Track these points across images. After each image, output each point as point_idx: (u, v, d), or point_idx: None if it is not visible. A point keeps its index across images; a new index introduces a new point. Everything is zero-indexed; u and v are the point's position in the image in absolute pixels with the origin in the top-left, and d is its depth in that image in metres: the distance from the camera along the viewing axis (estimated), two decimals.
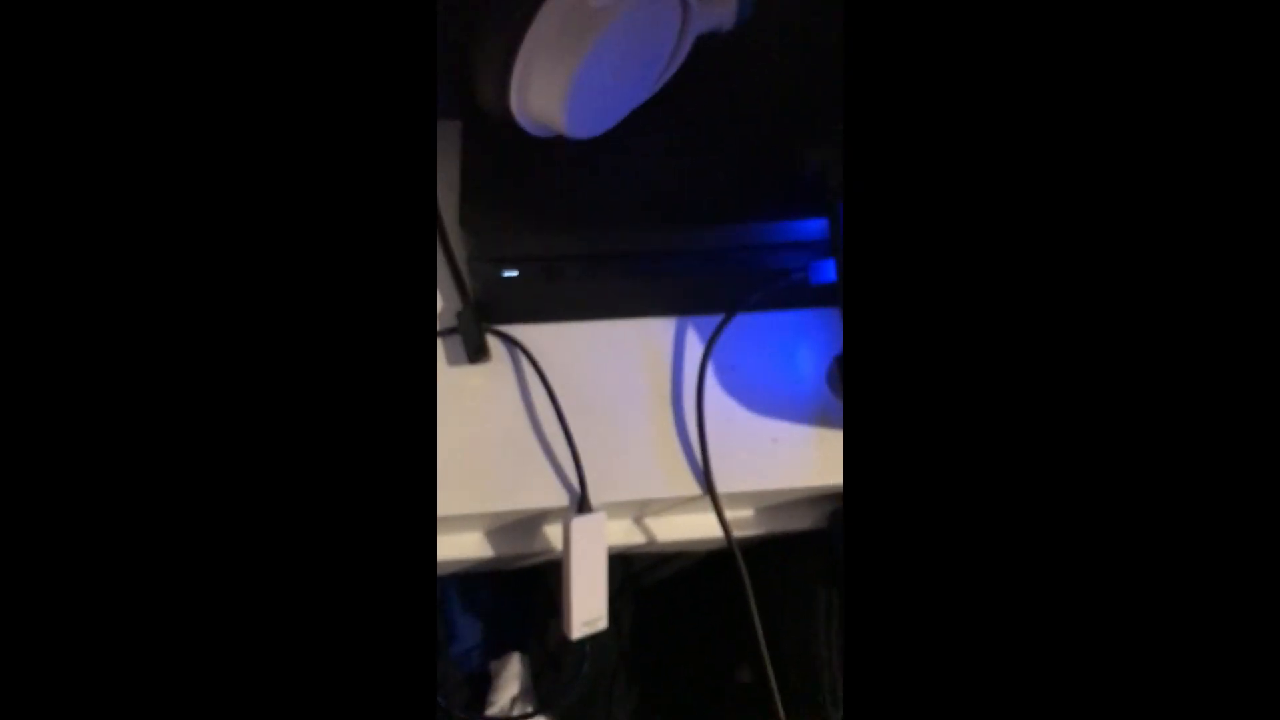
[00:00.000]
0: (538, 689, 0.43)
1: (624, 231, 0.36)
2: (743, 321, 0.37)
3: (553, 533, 0.39)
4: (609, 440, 0.35)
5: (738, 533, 0.37)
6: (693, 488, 0.35)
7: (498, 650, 0.43)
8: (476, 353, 0.36)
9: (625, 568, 0.44)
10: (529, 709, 0.42)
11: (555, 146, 0.35)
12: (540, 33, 0.30)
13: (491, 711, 0.42)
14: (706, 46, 0.36)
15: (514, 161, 0.36)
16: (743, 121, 0.37)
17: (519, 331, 0.37)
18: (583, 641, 0.35)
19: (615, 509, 0.37)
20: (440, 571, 0.40)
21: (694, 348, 0.37)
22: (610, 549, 0.36)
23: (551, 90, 0.31)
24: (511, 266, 0.36)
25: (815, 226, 0.36)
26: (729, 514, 0.36)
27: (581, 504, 0.34)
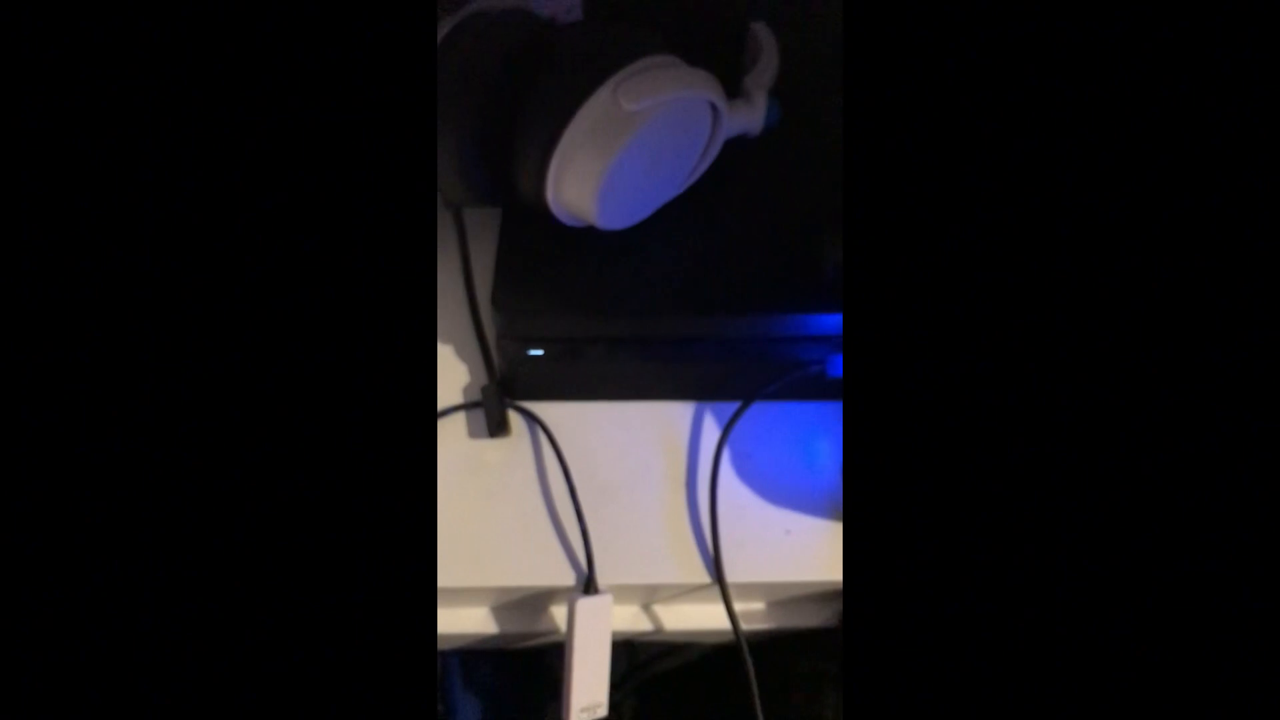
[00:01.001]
0: None
1: (648, 317, 0.37)
2: (760, 410, 0.38)
3: (559, 614, 0.38)
4: (621, 522, 0.36)
5: (747, 626, 0.36)
6: (702, 575, 0.35)
7: None
8: (497, 427, 0.37)
9: (630, 657, 0.42)
10: None
11: (587, 236, 0.37)
12: (577, 131, 0.32)
13: None
14: (735, 148, 0.38)
15: (547, 248, 0.37)
16: (766, 219, 0.39)
17: (540, 409, 0.38)
18: None
19: (623, 592, 0.36)
20: (443, 645, 0.40)
21: (710, 433, 0.38)
22: (616, 635, 0.35)
23: (585, 185, 0.33)
24: (538, 345, 0.38)
25: (832, 321, 0.37)
26: (739, 605, 0.35)
27: (588, 585, 0.34)
